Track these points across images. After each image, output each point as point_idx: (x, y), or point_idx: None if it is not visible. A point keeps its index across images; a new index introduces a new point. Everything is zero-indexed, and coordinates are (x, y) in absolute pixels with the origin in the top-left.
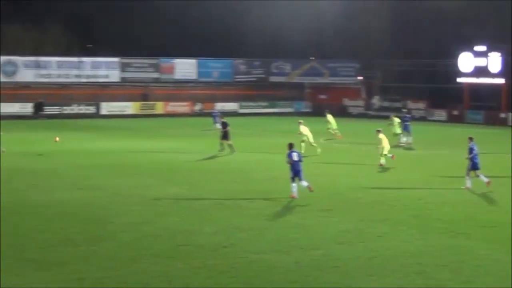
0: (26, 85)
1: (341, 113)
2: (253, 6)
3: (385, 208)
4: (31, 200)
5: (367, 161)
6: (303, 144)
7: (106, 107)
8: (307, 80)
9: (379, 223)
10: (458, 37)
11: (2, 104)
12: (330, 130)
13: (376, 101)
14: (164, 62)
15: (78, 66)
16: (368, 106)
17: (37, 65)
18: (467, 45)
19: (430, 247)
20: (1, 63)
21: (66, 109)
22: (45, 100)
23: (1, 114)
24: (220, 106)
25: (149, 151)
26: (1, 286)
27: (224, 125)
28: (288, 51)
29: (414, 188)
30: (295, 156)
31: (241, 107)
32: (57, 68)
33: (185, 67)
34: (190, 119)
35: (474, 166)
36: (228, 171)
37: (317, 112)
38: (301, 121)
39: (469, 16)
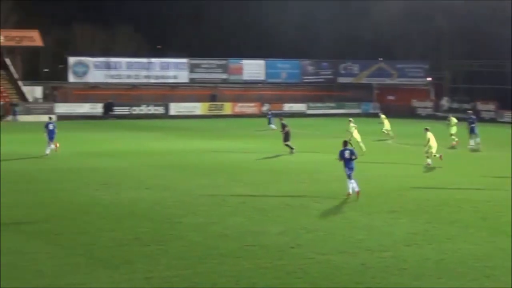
0: (96, 86)
1: (409, 114)
2: (322, 7)
3: (453, 210)
4: (101, 199)
5: (436, 163)
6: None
7: (175, 108)
8: (375, 81)
9: (447, 225)
10: None
11: (73, 104)
12: (384, 131)
13: (445, 102)
14: (233, 63)
15: (148, 67)
16: (436, 107)
17: (107, 66)
18: None
19: (500, 250)
20: (72, 64)
21: (135, 110)
22: (115, 101)
23: (72, 114)
24: (288, 107)
25: (217, 151)
26: (75, 284)
27: (283, 126)
28: (356, 52)
29: (481, 189)
30: (347, 154)
31: (309, 108)
32: (126, 69)
33: (253, 68)
34: (257, 120)
35: None
36: (295, 171)
37: (386, 113)
38: (351, 119)
39: None
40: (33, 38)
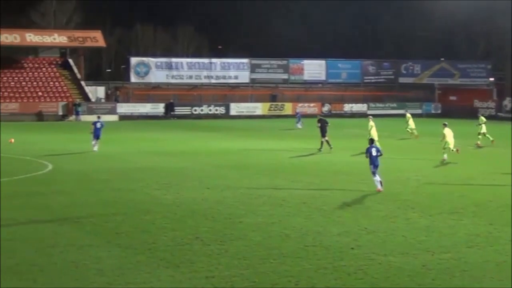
0: (157, 86)
1: (471, 115)
2: (383, 7)
3: None
4: (162, 199)
5: (497, 164)
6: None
7: (236, 108)
8: (437, 81)
9: (510, 227)
10: None
11: (135, 104)
12: (408, 130)
13: (507, 102)
14: (293, 63)
15: (209, 67)
16: (499, 108)
17: (169, 66)
18: None
19: None
20: (134, 64)
21: (196, 110)
22: (176, 101)
23: (134, 114)
24: (348, 107)
25: (277, 151)
26: (136, 283)
27: (320, 121)
28: (418, 52)
29: None
30: (373, 151)
31: (369, 108)
32: (188, 69)
33: (314, 68)
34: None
35: None
36: (356, 172)
37: (447, 113)
38: (371, 116)
39: None
40: (96, 38)
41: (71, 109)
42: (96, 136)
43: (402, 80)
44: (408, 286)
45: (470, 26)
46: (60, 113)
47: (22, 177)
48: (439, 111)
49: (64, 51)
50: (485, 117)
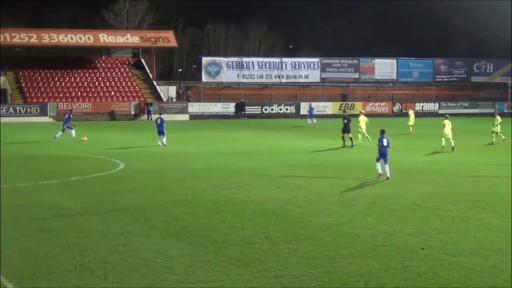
0: (228, 85)
1: None
2: (458, 6)
3: None
4: (233, 198)
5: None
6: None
7: (306, 107)
8: (510, 80)
9: None
10: None
11: (206, 103)
12: (409, 126)
13: None
14: (364, 62)
15: (279, 66)
16: None
17: (240, 66)
18: None
19: None
20: (205, 64)
21: (266, 109)
22: (246, 100)
23: (205, 113)
24: (419, 106)
25: (348, 151)
26: (206, 281)
27: (344, 119)
28: (491, 51)
29: None
30: (384, 142)
31: (441, 107)
32: (258, 69)
33: (385, 67)
34: (389, 119)
35: None
36: (428, 171)
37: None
38: (362, 111)
39: None
40: (168, 38)
41: (143, 109)
42: (160, 132)
43: (474, 79)
44: (479, 287)
45: None
46: (132, 112)
47: (95, 175)
48: (511, 110)
49: (136, 51)
50: None
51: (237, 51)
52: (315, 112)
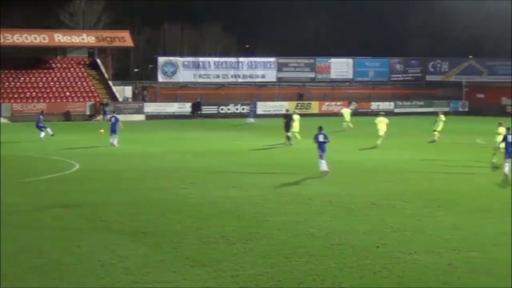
0: (184, 85)
1: (499, 112)
2: (411, 6)
3: None
4: (189, 198)
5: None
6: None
7: (262, 107)
8: (464, 79)
9: None
10: None
11: (162, 104)
12: (345, 124)
13: None
14: (320, 61)
15: (236, 66)
16: None
17: (196, 66)
18: None
19: None
20: (161, 64)
21: (223, 109)
22: (203, 100)
23: (161, 113)
24: (376, 105)
25: (304, 150)
26: (162, 282)
27: (285, 117)
28: (445, 50)
29: None
30: (320, 138)
31: (397, 106)
32: (215, 68)
33: (341, 67)
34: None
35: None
36: (382, 170)
37: (475, 111)
38: (296, 110)
39: None
40: (124, 38)
41: (99, 109)
42: (112, 131)
43: (429, 78)
44: (434, 285)
45: (498, 23)
46: (88, 113)
47: (50, 176)
48: (466, 109)
49: (92, 51)
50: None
51: (193, 51)
52: (272, 112)
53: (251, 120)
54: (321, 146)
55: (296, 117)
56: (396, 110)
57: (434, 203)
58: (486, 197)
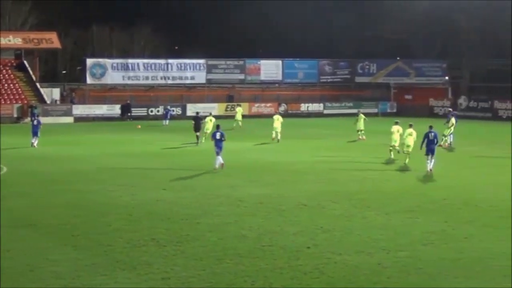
0: (113, 87)
1: (427, 113)
2: (340, 7)
3: (470, 209)
4: (119, 200)
5: (455, 162)
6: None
7: (192, 108)
8: (392, 80)
9: (465, 225)
10: None
11: (91, 106)
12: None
13: (462, 101)
14: (250, 63)
15: (165, 68)
16: (454, 106)
17: (125, 67)
18: None
19: None
20: (90, 65)
21: (152, 111)
22: (132, 102)
23: (90, 115)
24: (305, 106)
25: (235, 151)
26: (92, 285)
27: (195, 119)
28: (374, 52)
29: (499, 190)
30: (218, 136)
31: (326, 107)
32: (144, 70)
33: (270, 68)
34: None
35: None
36: (314, 172)
37: (403, 112)
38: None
39: None
40: (52, 40)
41: (26, 111)
42: (34, 133)
43: (358, 79)
44: (364, 285)
45: (426, 25)
46: (15, 115)
47: None
48: (394, 110)
49: (19, 53)
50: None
51: (122, 53)
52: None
53: (166, 122)
54: (219, 143)
55: (209, 119)
56: (326, 112)
57: (364, 204)
58: (415, 197)
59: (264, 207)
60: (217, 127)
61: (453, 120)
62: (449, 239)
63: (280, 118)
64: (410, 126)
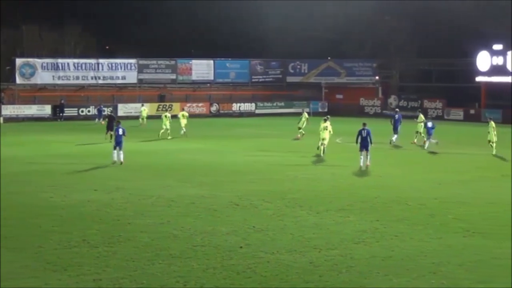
0: (43, 87)
1: (358, 113)
2: (271, 6)
3: (401, 207)
4: (50, 201)
5: (383, 160)
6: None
7: (123, 109)
8: (324, 80)
9: (396, 223)
10: (476, 36)
11: (20, 106)
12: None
13: (392, 100)
14: (182, 63)
15: (96, 67)
16: (384, 106)
17: (55, 67)
18: (485, 44)
19: (447, 246)
20: (19, 65)
21: (83, 111)
22: (63, 102)
23: (19, 116)
24: (237, 106)
25: (167, 152)
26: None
27: (108, 117)
28: (305, 52)
29: (430, 187)
30: (120, 131)
31: (257, 107)
32: (74, 70)
33: (202, 68)
34: (207, 120)
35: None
36: (247, 171)
37: (334, 112)
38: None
39: (487, 14)
40: None
41: None
42: None
43: (289, 79)
44: (296, 284)
45: (357, 25)
46: None
47: None
48: (325, 110)
49: None
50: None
51: (52, 52)
52: (133, 113)
53: (100, 121)
54: (119, 138)
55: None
56: (257, 111)
57: (296, 203)
58: (347, 195)
59: (196, 207)
60: (118, 123)
61: (422, 116)
62: (380, 237)
63: (186, 114)
64: (325, 120)
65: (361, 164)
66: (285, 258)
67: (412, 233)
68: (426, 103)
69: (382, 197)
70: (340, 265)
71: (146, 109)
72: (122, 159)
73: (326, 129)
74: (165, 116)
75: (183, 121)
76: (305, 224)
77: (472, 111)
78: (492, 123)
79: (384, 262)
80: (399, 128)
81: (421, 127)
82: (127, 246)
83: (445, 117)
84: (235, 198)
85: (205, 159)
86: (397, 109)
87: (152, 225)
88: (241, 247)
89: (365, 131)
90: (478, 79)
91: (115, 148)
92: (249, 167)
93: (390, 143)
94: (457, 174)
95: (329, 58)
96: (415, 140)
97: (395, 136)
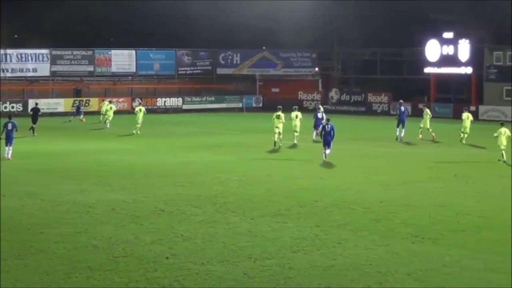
0: None
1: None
2: None
3: (344, 212)
4: None
5: (328, 160)
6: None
7: (34, 104)
8: (258, 72)
9: (338, 229)
10: (425, 23)
11: None
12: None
13: (334, 94)
14: (100, 53)
15: (3, 59)
16: (325, 100)
17: None
18: (434, 32)
19: (394, 254)
20: None
21: None
22: None
23: None
24: (162, 101)
25: (82, 153)
26: None
27: (32, 110)
28: (237, 41)
29: (374, 190)
30: (9, 126)
31: (185, 102)
32: None
33: (123, 59)
34: (128, 117)
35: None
36: (173, 173)
37: (270, 106)
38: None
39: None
40: None
41: None
42: None
43: (220, 71)
44: None
45: (293, 12)
46: None
47: None
48: (260, 104)
49: None
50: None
51: None
52: (46, 110)
53: (80, 117)
54: (9, 134)
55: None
56: (185, 107)
57: (228, 208)
58: (284, 199)
59: (117, 214)
60: (9, 117)
61: (428, 110)
62: (321, 245)
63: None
64: (278, 115)
65: (324, 158)
66: (216, 269)
67: (356, 239)
68: (370, 97)
69: (323, 200)
70: (277, 276)
71: (110, 105)
72: (9, 155)
73: (282, 122)
74: (140, 110)
75: (141, 116)
76: (238, 231)
77: (420, 105)
78: (427, 110)
79: (326, 272)
80: (405, 121)
81: (427, 123)
82: (40, 258)
83: (391, 112)
84: (160, 203)
85: (126, 160)
86: (401, 101)
87: (67, 234)
88: (167, 257)
89: (329, 126)
90: (427, 70)
91: (6, 145)
92: (176, 168)
93: (397, 139)
94: (404, 174)
95: (264, 47)
96: (420, 136)
97: (402, 131)
